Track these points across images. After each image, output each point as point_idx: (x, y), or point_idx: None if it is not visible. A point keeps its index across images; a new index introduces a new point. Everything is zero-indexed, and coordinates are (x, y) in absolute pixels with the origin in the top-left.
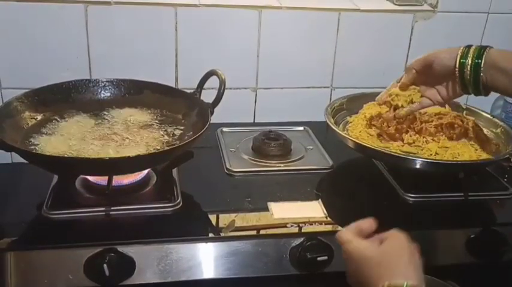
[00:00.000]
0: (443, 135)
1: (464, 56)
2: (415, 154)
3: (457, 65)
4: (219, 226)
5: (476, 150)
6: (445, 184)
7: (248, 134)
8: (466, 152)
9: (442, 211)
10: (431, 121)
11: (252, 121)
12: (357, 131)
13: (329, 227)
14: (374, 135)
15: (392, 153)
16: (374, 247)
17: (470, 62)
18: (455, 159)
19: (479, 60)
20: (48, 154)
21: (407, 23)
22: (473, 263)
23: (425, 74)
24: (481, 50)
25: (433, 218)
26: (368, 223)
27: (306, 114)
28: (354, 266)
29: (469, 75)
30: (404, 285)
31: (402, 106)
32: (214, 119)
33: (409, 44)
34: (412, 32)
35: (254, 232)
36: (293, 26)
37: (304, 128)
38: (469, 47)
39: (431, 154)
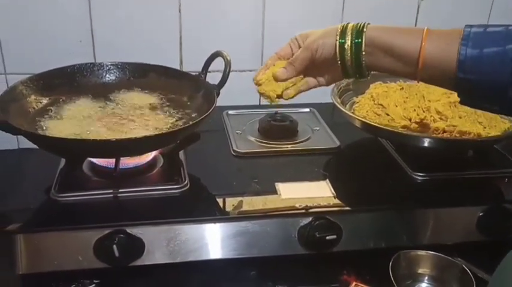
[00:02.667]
0: (451, 114)
1: (342, 35)
2: (422, 132)
3: (337, 48)
4: (226, 207)
5: (485, 128)
6: (454, 162)
7: (254, 116)
8: (475, 129)
9: (450, 189)
10: (439, 100)
11: (257, 103)
12: (364, 111)
13: (337, 207)
14: (381, 115)
15: (400, 132)
16: None
17: (349, 43)
18: (463, 137)
19: (359, 40)
20: (55, 136)
21: (413, 2)
22: (482, 241)
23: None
24: (359, 27)
25: (441, 197)
26: None
27: (312, 96)
28: None
29: (350, 57)
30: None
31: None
32: (220, 102)
33: (415, 23)
34: (418, 11)
35: (262, 213)
36: (298, 6)
37: (310, 110)
38: (347, 24)
39: (439, 133)
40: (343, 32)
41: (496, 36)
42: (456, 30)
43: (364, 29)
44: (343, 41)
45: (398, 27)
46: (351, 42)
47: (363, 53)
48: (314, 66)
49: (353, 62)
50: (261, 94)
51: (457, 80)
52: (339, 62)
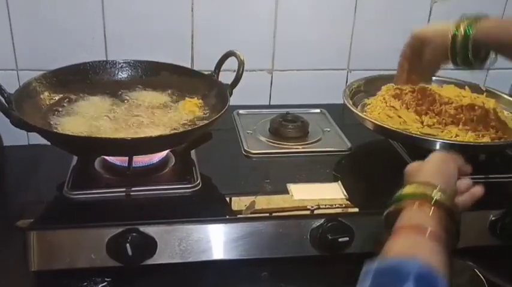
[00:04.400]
0: (464, 117)
1: (456, 27)
2: (435, 135)
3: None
4: (238, 207)
5: (497, 131)
6: None
7: (265, 116)
8: (487, 134)
9: None
10: (451, 103)
11: (267, 103)
12: (376, 113)
13: (349, 209)
14: (394, 117)
15: (413, 134)
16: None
17: (462, 31)
18: (475, 141)
19: (470, 30)
20: (70, 133)
21: (425, 4)
22: (495, 245)
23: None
24: (473, 19)
25: None
26: None
27: (322, 96)
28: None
29: (460, 44)
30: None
31: None
32: (230, 101)
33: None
34: (430, 13)
35: (274, 213)
36: (310, 6)
37: (321, 111)
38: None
39: (451, 136)
40: (457, 24)
41: None
42: None
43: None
44: (456, 32)
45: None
46: (464, 30)
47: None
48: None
49: (462, 43)
50: None
51: None
52: (450, 50)
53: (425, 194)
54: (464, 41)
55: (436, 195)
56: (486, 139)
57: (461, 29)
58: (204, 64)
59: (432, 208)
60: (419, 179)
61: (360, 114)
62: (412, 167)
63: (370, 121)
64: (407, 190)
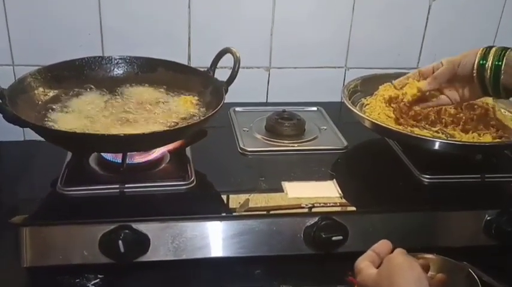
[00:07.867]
0: (464, 117)
1: (483, 57)
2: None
3: (475, 67)
4: (233, 205)
5: (498, 131)
6: (462, 165)
7: (261, 113)
8: (488, 133)
9: (458, 192)
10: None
11: (264, 101)
12: (376, 113)
13: (344, 207)
14: (393, 118)
15: (413, 134)
16: (373, 275)
17: (490, 64)
18: (475, 140)
19: (500, 63)
20: (64, 130)
21: (424, 2)
22: (490, 245)
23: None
24: (502, 51)
25: (449, 200)
26: (382, 246)
27: (319, 94)
28: None
29: (489, 78)
30: None
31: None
32: (227, 98)
33: (426, 23)
34: (429, 11)
35: (269, 211)
36: (308, 3)
37: (318, 109)
38: (489, 48)
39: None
40: (485, 54)
41: None
42: None
43: (506, 53)
44: (484, 61)
45: None
46: (492, 63)
47: (502, 77)
48: (452, 84)
49: (491, 82)
50: None
51: None
52: (477, 80)
53: None
54: (495, 73)
55: None
56: (487, 138)
57: (490, 59)
58: (202, 62)
59: None
60: None
61: (361, 115)
62: (372, 280)
63: (370, 121)
64: None
